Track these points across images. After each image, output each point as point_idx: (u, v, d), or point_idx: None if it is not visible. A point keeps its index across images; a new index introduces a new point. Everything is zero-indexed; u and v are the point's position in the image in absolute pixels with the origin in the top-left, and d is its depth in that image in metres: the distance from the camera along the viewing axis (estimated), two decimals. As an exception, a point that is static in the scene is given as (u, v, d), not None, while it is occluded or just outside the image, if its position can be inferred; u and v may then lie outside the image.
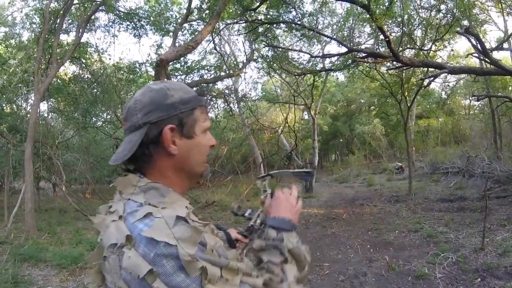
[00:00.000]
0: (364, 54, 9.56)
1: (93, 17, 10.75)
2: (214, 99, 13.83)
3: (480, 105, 23.20)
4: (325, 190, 16.31)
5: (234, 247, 1.39)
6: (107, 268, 0.74)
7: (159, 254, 0.67)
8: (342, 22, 13.40)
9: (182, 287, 0.67)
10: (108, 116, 17.42)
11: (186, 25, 10.27)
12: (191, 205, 0.84)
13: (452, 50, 11.28)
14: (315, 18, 11.15)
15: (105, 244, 0.75)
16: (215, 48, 13.00)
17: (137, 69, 12.65)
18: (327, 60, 13.47)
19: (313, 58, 12.79)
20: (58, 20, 9.51)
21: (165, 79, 7.12)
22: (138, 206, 0.76)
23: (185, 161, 0.86)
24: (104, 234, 0.76)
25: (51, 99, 13.76)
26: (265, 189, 1.55)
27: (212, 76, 12.78)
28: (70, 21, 10.94)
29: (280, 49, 12.33)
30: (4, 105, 12.93)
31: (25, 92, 12.63)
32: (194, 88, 0.94)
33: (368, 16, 8.05)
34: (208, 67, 13.33)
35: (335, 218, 8.67)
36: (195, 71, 12.58)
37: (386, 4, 8.05)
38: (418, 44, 10.32)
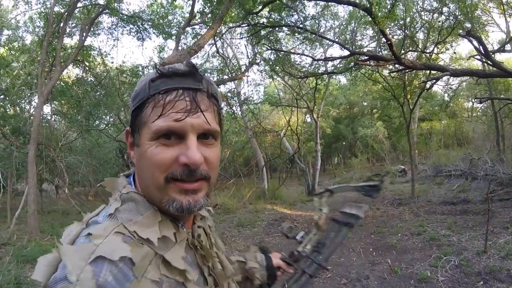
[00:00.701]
0: (366, 57, 9.56)
1: (96, 20, 10.80)
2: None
3: (482, 108, 23.14)
4: (328, 193, 16.26)
5: (275, 275, 1.18)
6: None
7: (57, 280, 0.52)
8: (344, 25, 13.43)
9: None
10: (111, 119, 17.44)
11: (188, 29, 10.32)
12: (178, 236, 0.67)
13: (455, 52, 11.25)
14: (317, 21, 11.17)
15: None
16: (217, 52, 13.04)
17: (140, 72, 12.69)
18: (330, 63, 13.49)
19: (316, 61, 12.80)
20: (62, 23, 9.57)
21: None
22: (104, 217, 0.64)
23: (142, 176, 0.68)
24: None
25: (55, 102, 13.83)
26: (320, 208, 1.37)
27: (215, 79, 12.80)
28: (73, 24, 11.01)
29: (283, 52, 12.34)
30: (7, 107, 12.99)
31: (29, 94, 12.69)
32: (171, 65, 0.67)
33: (370, 19, 8.06)
34: (211, 70, 13.37)
35: (337, 221, 8.64)
36: (197, 74, 12.60)
37: (388, 7, 8.05)
38: (420, 46, 10.32)
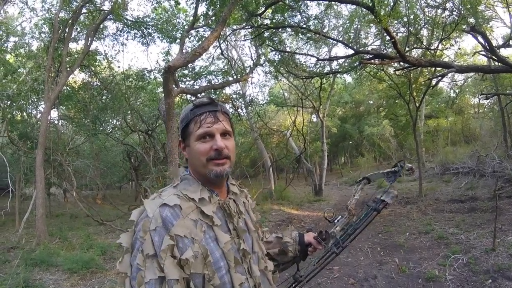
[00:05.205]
0: (370, 56, 9.51)
1: (101, 25, 10.86)
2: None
3: (489, 104, 22.93)
4: (335, 193, 16.26)
5: (306, 251, 1.49)
6: None
7: (142, 217, 0.98)
8: (348, 24, 13.37)
9: (136, 246, 0.95)
10: (118, 123, 17.58)
11: (193, 32, 10.33)
12: (212, 197, 1.09)
13: (459, 48, 11.16)
14: (320, 21, 11.13)
15: None
16: (222, 54, 13.05)
17: (145, 76, 12.76)
18: (334, 62, 13.44)
19: (320, 61, 12.75)
20: (67, 29, 9.65)
21: (173, 85, 7.21)
22: (170, 188, 1.10)
23: (193, 163, 1.13)
24: None
25: (61, 107, 13.94)
26: (354, 194, 1.62)
27: (220, 81, 12.82)
28: (79, 30, 11.07)
29: (287, 53, 12.31)
30: (15, 113, 13.11)
31: (35, 100, 12.80)
32: (200, 97, 1.09)
33: (373, 17, 8.01)
34: (216, 72, 13.39)
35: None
36: (202, 76, 12.64)
37: (391, 4, 7.99)
38: (424, 43, 10.26)
